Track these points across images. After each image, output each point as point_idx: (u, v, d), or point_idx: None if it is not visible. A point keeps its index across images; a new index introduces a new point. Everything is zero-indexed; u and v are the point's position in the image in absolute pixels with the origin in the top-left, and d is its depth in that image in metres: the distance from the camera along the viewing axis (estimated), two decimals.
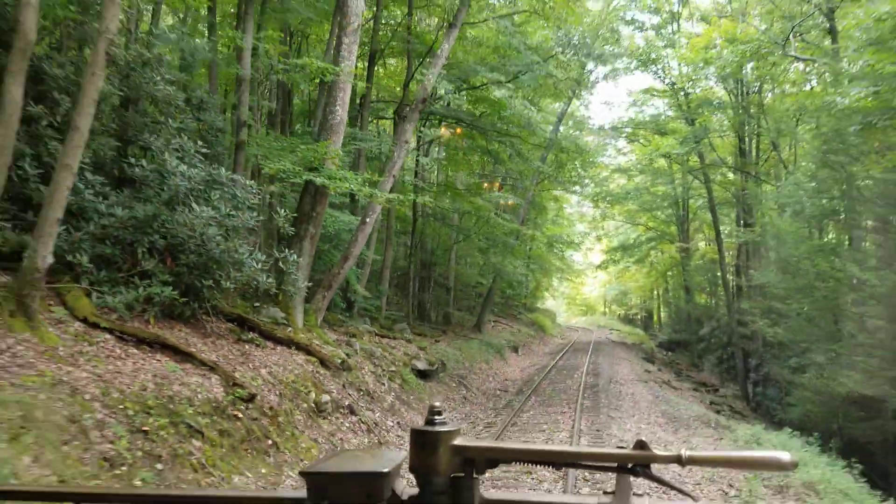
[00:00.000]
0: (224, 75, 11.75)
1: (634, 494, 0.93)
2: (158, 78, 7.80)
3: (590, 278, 62.42)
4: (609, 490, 0.94)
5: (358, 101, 15.21)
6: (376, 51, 15.56)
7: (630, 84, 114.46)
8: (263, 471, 5.86)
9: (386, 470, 0.95)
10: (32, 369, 4.98)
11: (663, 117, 26.34)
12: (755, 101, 21.90)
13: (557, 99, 21.89)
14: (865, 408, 12.60)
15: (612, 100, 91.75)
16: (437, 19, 16.54)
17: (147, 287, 6.93)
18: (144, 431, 5.02)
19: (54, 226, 5.77)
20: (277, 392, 7.12)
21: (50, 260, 5.80)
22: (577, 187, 27.80)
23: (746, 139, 22.61)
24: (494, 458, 0.97)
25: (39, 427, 4.30)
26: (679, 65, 23.07)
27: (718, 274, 27.01)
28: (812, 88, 20.35)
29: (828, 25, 15.80)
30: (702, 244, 37.50)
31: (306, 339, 9.53)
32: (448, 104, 14.94)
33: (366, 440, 8.14)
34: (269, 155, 9.76)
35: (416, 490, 0.99)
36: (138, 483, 4.60)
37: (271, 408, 6.71)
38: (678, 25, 25.18)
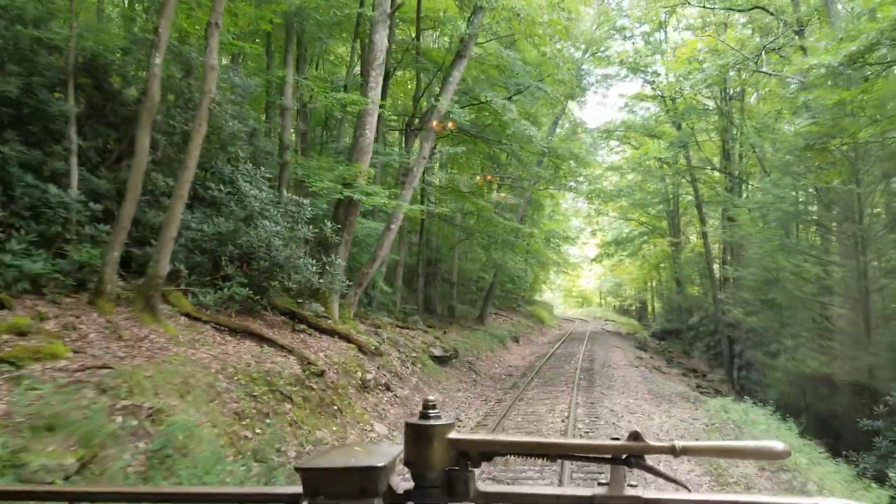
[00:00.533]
0: (253, 102, 13.41)
1: (629, 485, 0.94)
2: (228, 115, 9.50)
3: (586, 271, 64.19)
4: (603, 481, 0.96)
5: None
6: (389, 71, 17.22)
7: (623, 87, 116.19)
8: (334, 428, 7.61)
9: (381, 464, 0.95)
10: (169, 351, 6.71)
11: (653, 120, 28.08)
12: (737, 106, 23.65)
13: (553, 107, 23.56)
14: (829, 386, 14.41)
15: (605, 101, 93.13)
16: (446, 38, 18.11)
17: (229, 288, 8.66)
18: (254, 396, 6.77)
19: (170, 242, 7.49)
20: (334, 370, 8.87)
21: (168, 268, 7.53)
22: (571, 182, 29.51)
23: (730, 141, 24.37)
24: (489, 451, 0.98)
25: (193, 389, 6.03)
26: (666, 72, 24.80)
27: (706, 267, 28.74)
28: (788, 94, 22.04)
29: (800, 43, 17.53)
30: (693, 237, 39.31)
31: (345, 330, 11.27)
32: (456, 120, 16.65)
33: (401, 411, 9.89)
34: (309, 174, 11.47)
35: (411, 484, 1.00)
36: (258, 432, 6.34)
37: (332, 382, 8.46)
38: (665, 34, 26.91)
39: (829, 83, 10.48)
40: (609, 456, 0.94)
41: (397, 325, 15.35)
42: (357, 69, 15.03)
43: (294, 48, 11.75)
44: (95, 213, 7.60)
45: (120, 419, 4.92)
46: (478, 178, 21.76)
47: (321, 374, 8.05)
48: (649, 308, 57.39)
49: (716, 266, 29.50)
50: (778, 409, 13.62)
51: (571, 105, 30.07)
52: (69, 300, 7.09)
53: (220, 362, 6.93)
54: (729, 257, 25.99)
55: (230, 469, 5.29)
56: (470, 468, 0.98)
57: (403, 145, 18.21)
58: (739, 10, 18.80)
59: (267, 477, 5.67)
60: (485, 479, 7.60)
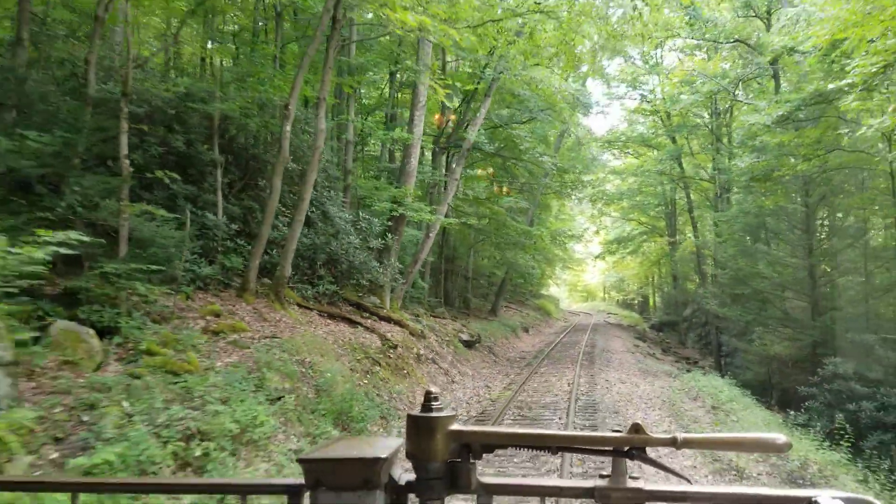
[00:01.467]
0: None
1: (630, 477, 0.95)
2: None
3: (590, 267, 67.17)
4: (605, 473, 0.96)
5: None
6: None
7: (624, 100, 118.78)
8: (406, 385, 10.72)
9: (383, 456, 0.96)
10: (299, 328, 9.80)
11: (651, 133, 31.06)
12: (725, 121, 26.56)
13: (560, 121, 26.54)
14: (786, 363, 17.45)
15: (608, 109, 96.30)
16: (469, 68, 21.08)
17: (322, 285, 11.76)
18: (357, 359, 9.87)
19: (291, 253, 10.59)
20: (398, 346, 11.98)
21: (289, 272, 10.63)
22: (576, 191, 32.47)
23: (718, 154, 27.34)
24: (490, 442, 0.99)
25: (325, 353, 9.13)
26: (661, 92, 27.74)
27: (697, 265, 31.72)
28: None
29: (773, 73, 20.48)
30: (691, 236, 42.29)
31: (397, 317, 14.37)
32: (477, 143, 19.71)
33: (445, 378, 12.98)
34: (369, 195, 14.56)
35: (412, 475, 1.01)
36: (364, 381, 9.42)
37: (400, 354, 11.56)
38: (661, 54, 29.84)
39: (777, 128, 13.41)
40: (611, 448, 0.95)
41: (431, 315, 18.44)
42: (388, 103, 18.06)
43: (355, 98, 14.81)
44: (233, 230, 10.70)
45: (298, 367, 8.03)
46: (494, 187, 24.71)
47: (395, 346, 11.16)
48: (650, 302, 60.29)
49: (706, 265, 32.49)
50: (749, 386, 16.65)
51: (577, 117, 33.08)
52: (224, 294, 10.19)
53: (332, 336, 10.05)
54: (718, 257, 29.00)
55: (358, 399, 8.40)
56: (471, 460, 0.99)
57: (431, 160, 21.24)
58: (722, 43, 21.73)
59: (378, 408, 8.78)
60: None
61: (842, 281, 15.86)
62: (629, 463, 0.96)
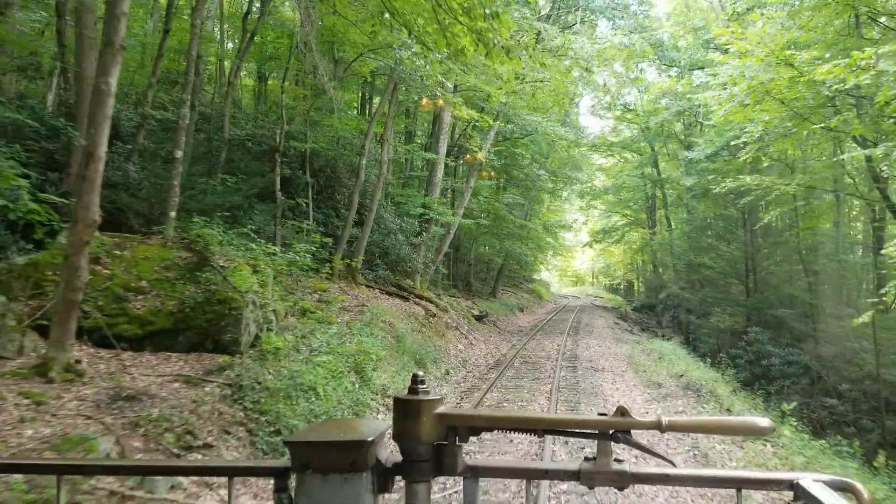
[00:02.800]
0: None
1: (615, 460, 0.97)
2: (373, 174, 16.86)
3: (579, 254, 71.83)
4: (590, 456, 0.98)
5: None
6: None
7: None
8: (443, 342, 15.13)
9: (370, 438, 0.97)
10: (373, 302, 14.17)
11: (631, 138, 35.46)
12: (694, 132, 30.95)
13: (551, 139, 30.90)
14: (728, 333, 22.05)
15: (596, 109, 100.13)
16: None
17: (378, 271, 16.12)
18: (412, 323, 14.26)
19: (363, 248, 14.93)
20: (435, 315, 16.38)
21: (361, 261, 14.99)
22: (566, 187, 36.87)
23: (681, 166, 31.84)
24: (477, 425, 1.00)
25: (395, 316, 13.52)
26: (640, 104, 32.08)
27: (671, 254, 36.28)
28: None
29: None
30: (666, 229, 46.85)
31: (427, 295, 18.76)
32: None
33: (465, 341, 17.39)
34: (404, 201, 18.88)
35: (399, 458, 1.02)
36: (419, 337, 13.81)
37: (436, 323, 15.97)
38: (641, 68, 34.09)
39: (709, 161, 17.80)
40: (596, 431, 0.96)
41: (447, 295, 22.85)
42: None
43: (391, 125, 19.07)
44: (320, 231, 15.01)
45: (384, 324, 12.43)
46: (496, 184, 28.97)
47: (433, 315, 15.59)
48: (635, 286, 65.06)
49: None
50: (706, 354, 21.06)
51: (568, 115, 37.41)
52: (317, 277, 14.53)
53: (394, 307, 14.45)
54: (675, 251, 33.61)
55: (421, 347, 12.79)
56: (458, 443, 1.00)
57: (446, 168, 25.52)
58: (685, 69, 26.11)
59: (431, 355, 13.20)
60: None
61: (766, 270, 20.43)
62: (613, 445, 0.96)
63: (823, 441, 9.87)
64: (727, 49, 11.83)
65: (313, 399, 7.30)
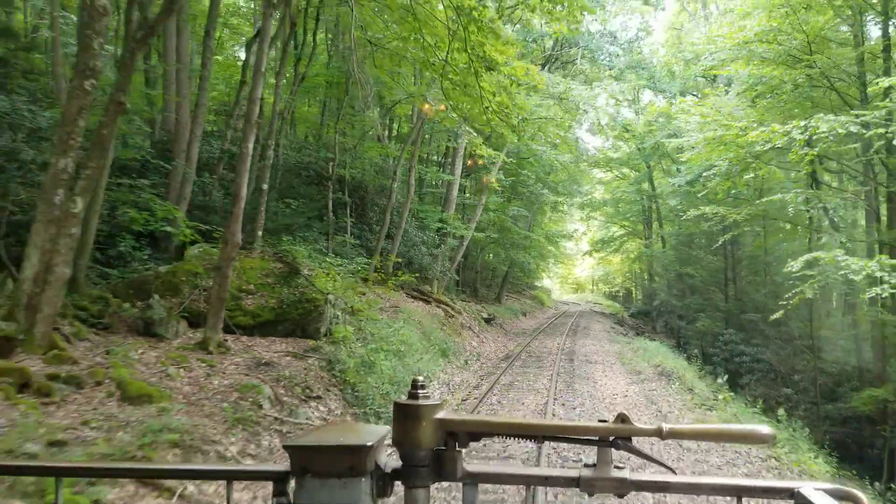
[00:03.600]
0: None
1: (615, 467, 0.96)
2: (400, 196, 19.58)
3: (580, 262, 74.49)
4: (590, 463, 0.98)
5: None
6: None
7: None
8: (461, 340, 17.78)
9: (369, 443, 0.97)
10: (403, 304, 16.84)
11: (628, 156, 38.22)
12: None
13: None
14: (709, 335, 24.69)
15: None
16: None
17: (405, 276, 18.82)
18: (434, 322, 16.92)
19: (393, 258, 17.62)
20: (453, 317, 19.04)
21: (391, 270, 17.70)
22: (567, 200, 39.53)
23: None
24: (477, 431, 1.00)
25: (422, 316, 16.19)
26: (637, 124, 34.84)
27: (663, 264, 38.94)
28: None
29: None
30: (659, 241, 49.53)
31: (444, 300, 21.44)
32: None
33: (477, 339, 20.04)
34: (424, 216, 21.59)
35: (399, 463, 1.02)
36: (440, 334, 16.45)
37: (453, 323, 18.63)
38: (638, 95, 36.88)
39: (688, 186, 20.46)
40: (596, 438, 0.95)
41: (459, 299, 25.52)
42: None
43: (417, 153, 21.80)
44: (357, 243, 17.70)
45: (415, 321, 15.10)
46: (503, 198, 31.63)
47: (452, 316, 18.26)
48: (633, 294, 67.70)
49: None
50: (693, 355, 23.61)
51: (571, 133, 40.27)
52: (360, 283, 17.21)
53: (419, 308, 17.13)
54: (664, 262, 36.28)
55: (445, 343, 15.45)
56: (458, 448, 0.99)
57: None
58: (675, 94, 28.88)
59: (452, 349, 15.85)
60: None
61: (745, 279, 23.07)
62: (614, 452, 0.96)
63: (754, 408, 12.60)
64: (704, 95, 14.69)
65: (375, 373, 9.98)
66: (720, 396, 11.49)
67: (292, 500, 1.01)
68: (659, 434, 0.91)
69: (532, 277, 54.31)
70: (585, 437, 0.97)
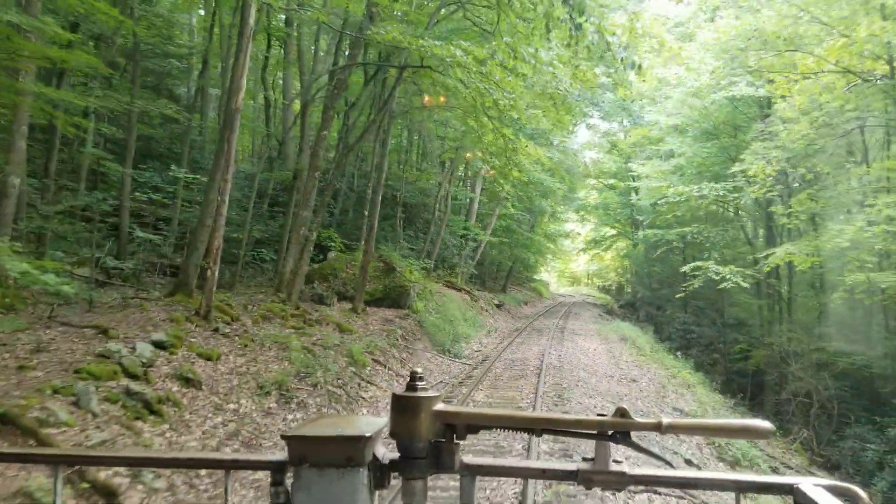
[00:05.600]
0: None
1: (613, 461, 0.97)
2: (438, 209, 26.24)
3: (575, 257, 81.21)
4: (588, 457, 0.98)
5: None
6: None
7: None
8: (483, 317, 24.43)
9: (367, 434, 0.98)
10: (442, 290, 23.46)
11: (618, 168, 44.81)
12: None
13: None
14: (673, 321, 31.40)
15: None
16: None
17: (438, 272, 25.46)
18: (463, 304, 23.56)
19: (434, 258, 24.27)
20: (476, 301, 25.68)
21: (432, 267, 24.35)
22: (564, 205, 46.13)
23: None
24: (475, 423, 1.00)
25: (456, 300, 22.82)
26: (625, 139, 41.42)
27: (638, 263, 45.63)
28: None
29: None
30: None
31: (467, 289, 28.08)
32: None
33: (495, 319, 26.65)
34: (452, 225, 28.26)
35: (396, 454, 1.03)
36: (469, 312, 23.07)
37: (476, 306, 25.27)
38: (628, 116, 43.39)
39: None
40: (595, 432, 0.96)
41: (475, 289, 32.19)
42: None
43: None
44: (409, 249, 24.30)
45: (454, 302, 21.75)
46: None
47: (476, 301, 24.95)
48: (623, 287, 74.46)
49: None
50: (666, 338, 30.22)
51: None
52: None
53: (453, 294, 23.80)
54: (637, 262, 42.97)
55: (477, 320, 22.09)
56: (455, 440, 1.00)
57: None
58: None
59: (482, 325, 22.52)
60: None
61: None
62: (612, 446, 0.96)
63: (684, 363, 19.35)
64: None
65: (442, 330, 16.61)
66: (651, 349, 18.17)
67: (290, 490, 1.02)
68: (658, 428, 0.91)
69: (532, 271, 61.01)
70: (584, 431, 0.98)
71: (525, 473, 1.10)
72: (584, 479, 0.97)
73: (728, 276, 18.21)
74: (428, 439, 1.00)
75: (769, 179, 15.64)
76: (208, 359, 8.70)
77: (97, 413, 6.36)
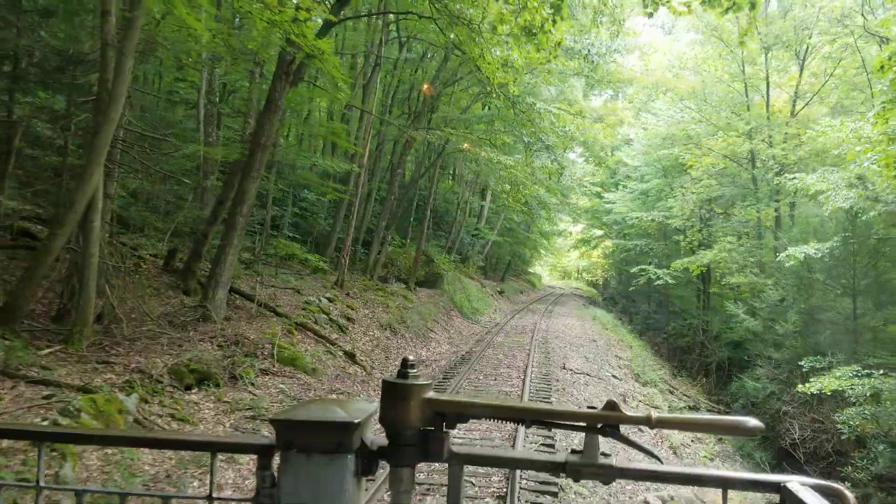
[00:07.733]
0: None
1: (602, 454, 0.97)
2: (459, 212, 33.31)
3: (567, 254, 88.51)
4: (577, 449, 0.99)
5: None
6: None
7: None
8: (490, 300, 31.57)
9: (356, 420, 0.98)
10: (465, 278, 30.57)
11: (605, 181, 51.87)
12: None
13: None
14: (644, 310, 38.70)
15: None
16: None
17: (468, 267, 32.56)
18: (476, 289, 30.67)
19: (454, 252, 31.39)
20: (484, 287, 32.80)
21: (454, 259, 31.48)
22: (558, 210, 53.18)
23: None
24: (465, 413, 1.00)
25: (471, 286, 29.92)
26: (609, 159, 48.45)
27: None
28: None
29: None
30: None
31: (477, 277, 35.14)
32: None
33: (497, 304, 33.78)
34: (468, 227, 35.39)
35: (385, 441, 1.02)
36: (481, 295, 30.15)
37: (485, 291, 32.40)
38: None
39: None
40: (584, 424, 0.96)
41: (483, 278, 39.31)
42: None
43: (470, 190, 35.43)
44: (435, 244, 31.35)
45: (476, 289, 28.88)
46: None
47: (484, 287, 32.10)
48: (611, 282, 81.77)
49: None
50: (638, 323, 37.47)
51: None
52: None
53: (472, 283, 30.93)
54: (613, 259, 50.20)
55: (489, 302, 29.22)
56: (445, 429, 1.00)
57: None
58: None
59: (491, 307, 29.68)
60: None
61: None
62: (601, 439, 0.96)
63: (640, 340, 26.55)
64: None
65: (467, 306, 23.73)
66: (612, 326, 25.39)
67: (276, 475, 1.02)
68: (647, 422, 0.92)
69: (526, 265, 68.23)
70: (574, 423, 0.98)
71: (513, 464, 1.07)
72: (572, 471, 0.98)
73: (661, 276, 25.68)
74: (417, 427, 1.01)
75: (686, 213, 23.09)
76: (351, 308, 15.80)
77: (325, 326, 13.48)
